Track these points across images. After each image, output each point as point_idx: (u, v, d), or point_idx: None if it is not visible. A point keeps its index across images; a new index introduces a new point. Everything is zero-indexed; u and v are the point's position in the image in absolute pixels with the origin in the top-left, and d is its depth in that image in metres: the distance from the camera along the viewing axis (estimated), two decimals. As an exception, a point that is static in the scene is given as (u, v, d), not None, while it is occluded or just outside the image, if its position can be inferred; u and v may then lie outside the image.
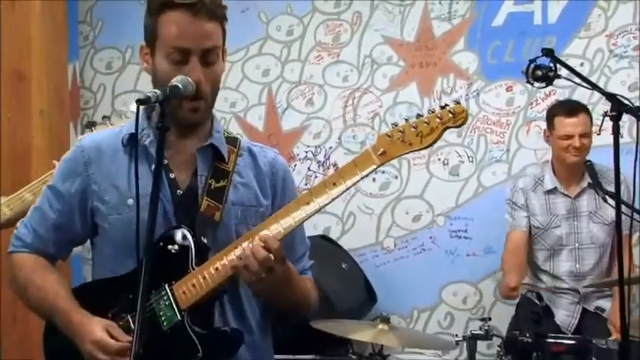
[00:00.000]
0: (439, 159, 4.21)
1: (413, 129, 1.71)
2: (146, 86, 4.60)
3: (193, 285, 1.81)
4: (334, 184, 1.77)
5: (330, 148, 4.39)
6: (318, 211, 1.79)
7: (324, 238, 4.22)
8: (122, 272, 1.88)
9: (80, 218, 1.96)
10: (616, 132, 2.22)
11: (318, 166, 4.40)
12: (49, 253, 2.00)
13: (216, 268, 1.81)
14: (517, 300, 3.61)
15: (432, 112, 1.71)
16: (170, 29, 1.83)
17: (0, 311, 3.82)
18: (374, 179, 4.29)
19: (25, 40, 3.92)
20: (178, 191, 1.91)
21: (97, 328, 1.82)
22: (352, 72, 4.37)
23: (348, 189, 1.77)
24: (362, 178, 1.76)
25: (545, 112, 3.79)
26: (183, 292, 1.82)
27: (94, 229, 1.97)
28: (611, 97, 2.26)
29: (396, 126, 1.73)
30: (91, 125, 2.74)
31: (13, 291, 2.00)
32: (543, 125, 3.73)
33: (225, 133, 2.00)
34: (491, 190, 4.12)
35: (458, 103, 1.71)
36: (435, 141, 1.71)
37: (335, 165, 4.37)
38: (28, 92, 3.93)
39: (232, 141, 1.99)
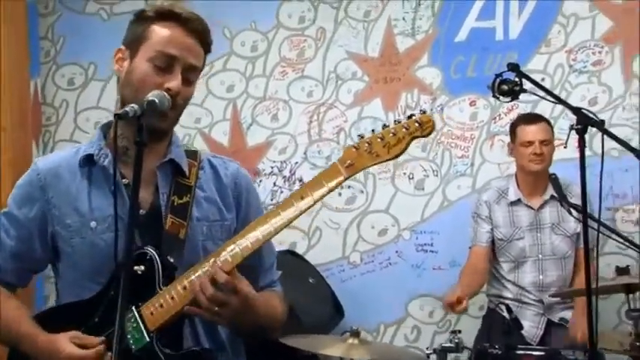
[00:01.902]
0: (404, 173, 4.24)
1: (379, 140, 1.69)
2: (109, 103, 4.60)
3: (161, 305, 1.79)
4: (302, 197, 1.74)
5: (296, 163, 4.40)
6: (286, 225, 1.76)
7: (291, 253, 4.21)
8: (87, 296, 1.85)
9: (40, 244, 1.92)
10: (582, 145, 2.25)
11: (284, 182, 4.40)
12: (9, 282, 1.96)
13: (184, 287, 1.78)
14: (483, 312, 3.64)
15: (399, 122, 1.70)
16: (162, 35, 1.84)
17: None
18: (340, 194, 4.31)
19: (-14, 57, 3.88)
20: (141, 210, 1.87)
21: (63, 343, 1.79)
22: (317, 87, 4.39)
23: (316, 202, 1.74)
24: (330, 190, 1.74)
25: (507, 126, 3.84)
26: (151, 314, 1.80)
27: (55, 254, 1.93)
28: (576, 110, 2.30)
29: (362, 137, 1.72)
30: None
31: None
32: (507, 139, 3.79)
33: (184, 147, 1.99)
34: (457, 203, 4.16)
35: (424, 112, 1.71)
36: (402, 151, 1.70)
37: (301, 180, 4.37)
38: (-10, 110, 3.89)
39: (192, 154, 1.98)
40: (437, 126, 4.15)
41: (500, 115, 4.14)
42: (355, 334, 2.86)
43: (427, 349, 3.00)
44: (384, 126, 1.71)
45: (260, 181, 4.39)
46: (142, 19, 1.89)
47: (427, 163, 4.22)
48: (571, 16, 4.08)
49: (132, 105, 1.67)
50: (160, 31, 1.84)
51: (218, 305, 1.74)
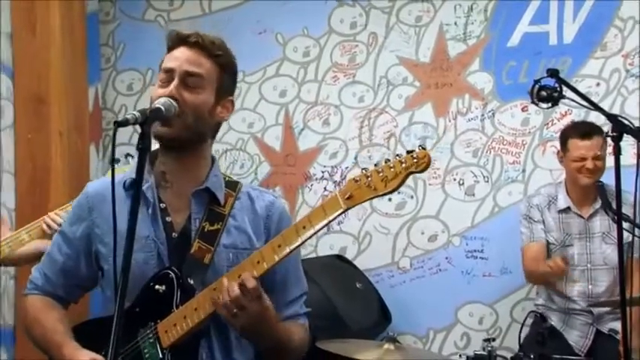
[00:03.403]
0: (455, 179, 4.21)
1: (379, 174, 1.74)
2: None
3: (174, 324, 1.87)
4: (304, 227, 1.81)
5: (347, 168, 4.41)
6: (288, 254, 1.83)
7: (339, 257, 4.23)
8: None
9: (86, 262, 2.04)
10: (617, 152, 2.21)
11: (335, 186, 4.41)
12: (59, 296, 2.08)
13: (195, 309, 1.85)
14: (531, 320, 3.58)
15: (398, 156, 1.74)
16: (167, 58, 1.95)
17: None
18: (390, 199, 4.29)
19: (45, 65, 4.01)
20: (173, 234, 1.96)
21: None
22: (368, 92, 4.39)
23: (316, 232, 1.82)
24: (329, 221, 1.81)
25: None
26: (165, 332, 1.88)
27: (99, 272, 2.03)
28: (612, 118, 2.25)
29: (365, 170, 1.77)
30: (127, 156, 2.82)
31: (25, 332, 2.08)
32: (559, 145, 3.71)
33: (225, 177, 2.06)
34: (508, 210, 4.10)
35: (423, 148, 1.74)
36: (398, 186, 1.74)
37: (351, 185, 4.37)
38: (47, 115, 4.02)
39: (232, 185, 2.05)
40: (488, 132, 4.14)
41: (552, 120, 4.06)
42: (392, 340, 2.86)
43: (460, 356, 2.97)
44: (386, 160, 1.76)
45: (311, 185, 4.42)
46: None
47: (478, 169, 4.17)
48: (628, 20, 3.97)
49: (133, 112, 1.70)
50: (167, 56, 1.96)
51: (238, 308, 1.79)
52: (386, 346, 2.81)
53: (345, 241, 4.33)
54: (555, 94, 2.55)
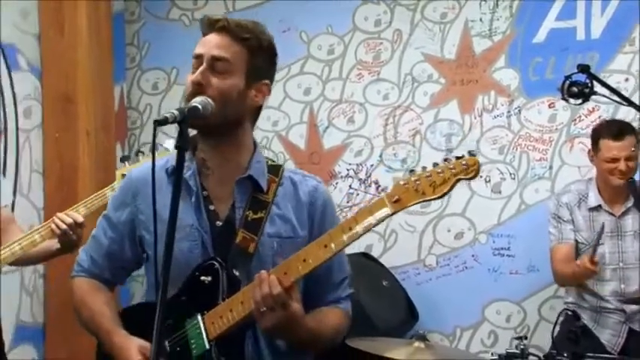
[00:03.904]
0: (481, 176, 4.18)
1: (427, 178, 1.73)
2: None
3: (221, 317, 1.87)
4: (350, 228, 1.81)
5: (372, 165, 4.40)
6: (335, 254, 1.83)
7: (366, 255, 4.22)
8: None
9: (130, 246, 2.05)
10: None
11: (360, 184, 4.41)
12: (105, 278, 2.10)
13: (241, 302, 1.86)
14: (561, 318, 3.55)
15: (447, 161, 1.73)
16: (197, 45, 1.95)
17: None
18: (416, 197, 4.28)
19: (72, 64, 4.04)
20: (217, 222, 1.96)
21: (133, 353, 1.91)
22: (393, 90, 4.38)
23: (361, 235, 1.81)
24: (376, 224, 1.79)
25: (588, 129, 3.74)
26: (212, 323, 1.89)
27: (144, 257, 2.05)
28: (646, 114, 2.23)
29: (412, 173, 1.76)
30: (124, 159, 2.83)
31: (74, 313, 2.11)
32: (587, 142, 3.67)
33: (268, 161, 2.04)
34: (534, 207, 4.07)
35: (473, 155, 1.73)
36: (447, 192, 1.72)
37: (376, 182, 4.38)
38: (75, 114, 4.05)
39: (274, 169, 2.03)
40: (514, 129, 4.11)
41: (580, 116, 4.03)
42: (422, 337, 2.85)
43: (491, 354, 2.95)
44: (434, 164, 1.74)
45: (336, 183, 4.42)
46: None
47: (504, 166, 4.15)
48: (657, 14, 3.93)
49: (172, 111, 1.70)
50: (198, 42, 1.97)
51: (267, 307, 1.80)
52: (416, 344, 2.80)
53: (370, 239, 4.32)
54: (586, 90, 2.54)
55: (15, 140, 3.90)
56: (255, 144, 2.03)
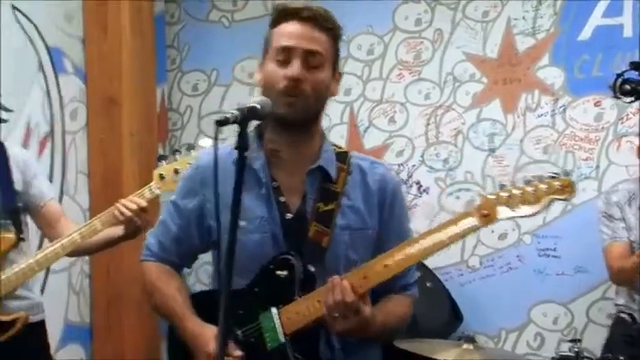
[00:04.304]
0: (525, 176, 4.12)
1: (519, 194, 1.72)
2: (230, 107, 4.74)
3: (297, 313, 1.88)
4: (435, 235, 1.82)
5: (413, 166, 4.38)
6: (416, 261, 1.88)
7: (408, 256, 4.18)
8: (237, 288, 1.93)
9: (198, 234, 2.05)
10: None
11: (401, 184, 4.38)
12: (174, 262, 2.11)
13: (318, 300, 1.86)
14: (611, 321, 3.49)
15: (540, 180, 1.73)
16: (279, 33, 1.93)
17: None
18: (458, 197, 4.25)
19: (116, 66, 4.07)
20: (288, 215, 1.95)
21: (208, 339, 1.89)
22: (434, 89, 4.35)
23: (447, 245, 1.82)
24: (463, 236, 1.80)
25: (636, 127, 3.68)
26: (288, 318, 1.89)
27: (213, 244, 2.04)
28: None
29: (504, 187, 1.75)
30: (162, 158, 2.83)
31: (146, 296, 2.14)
32: (635, 140, 3.62)
33: (334, 148, 2.03)
34: (581, 207, 4.00)
35: (568, 175, 1.73)
36: (539, 211, 1.72)
37: (418, 183, 4.35)
38: (119, 115, 4.08)
39: (342, 157, 2.02)
40: (559, 128, 4.06)
41: (627, 115, 3.96)
42: (470, 339, 2.83)
43: (550, 357, 2.91)
44: (527, 181, 1.74)
45: (377, 184, 4.39)
46: (269, 27, 1.98)
47: (549, 166, 4.09)
48: None
49: (232, 111, 1.69)
50: (278, 31, 1.93)
51: (339, 314, 1.81)
52: (464, 345, 2.78)
53: (412, 239, 4.28)
54: (640, 88, 2.48)
55: (61, 142, 3.94)
56: (322, 133, 2.03)
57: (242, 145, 1.66)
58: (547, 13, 4.12)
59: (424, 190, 4.34)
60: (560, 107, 4.09)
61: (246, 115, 1.69)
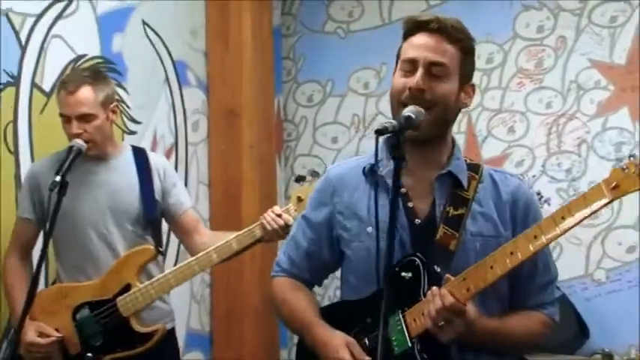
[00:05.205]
0: (655, 187, 3.96)
1: None
2: (346, 118, 4.76)
3: (423, 314, 1.83)
4: (563, 217, 1.73)
5: (534, 176, 4.27)
6: (545, 246, 1.77)
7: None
8: (364, 296, 1.95)
9: (328, 246, 2.06)
10: None
11: (524, 195, 4.27)
12: (305, 279, 2.12)
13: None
14: None
15: None
16: (407, 46, 1.94)
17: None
18: (581, 208, 4.11)
19: (237, 79, 4.14)
20: (416, 220, 1.93)
21: (339, 344, 1.89)
22: (556, 98, 4.23)
23: (577, 224, 1.73)
24: (592, 212, 1.71)
25: None
26: (414, 320, 1.85)
27: (341, 256, 2.05)
28: None
29: (633, 157, 1.67)
30: (300, 179, 2.83)
31: (274, 312, 2.15)
32: None
33: (466, 159, 2.01)
34: None
35: None
36: None
37: (539, 194, 4.23)
38: (239, 127, 4.15)
39: (474, 168, 1.99)
40: (693, 136, 3.88)
41: None
42: (608, 356, 2.72)
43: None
44: None
45: (496, 194, 4.30)
46: (401, 41, 1.99)
47: (681, 176, 3.91)
48: None
49: (390, 121, 1.73)
50: (407, 43, 1.95)
51: (444, 320, 1.77)
52: (603, 362, 2.67)
53: (534, 251, 4.17)
54: None
55: (185, 153, 4.04)
56: (453, 142, 2.01)
57: (398, 154, 1.68)
58: (680, 17, 3.96)
59: (545, 201, 4.22)
60: (695, 115, 3.91)
61: (403, 124, 1.72)
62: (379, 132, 1.69)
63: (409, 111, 1.78)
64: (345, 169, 2.08)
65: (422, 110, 1.81)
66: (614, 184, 1.67)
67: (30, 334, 2.67)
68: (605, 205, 1.70)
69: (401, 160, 1.69)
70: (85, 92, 2.70)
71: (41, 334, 2.69)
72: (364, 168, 2.00)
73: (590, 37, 4.15)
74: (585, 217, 1.72)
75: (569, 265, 4.13)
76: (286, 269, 2.11)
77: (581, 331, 3.85)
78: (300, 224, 2.12)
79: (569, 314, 3.87)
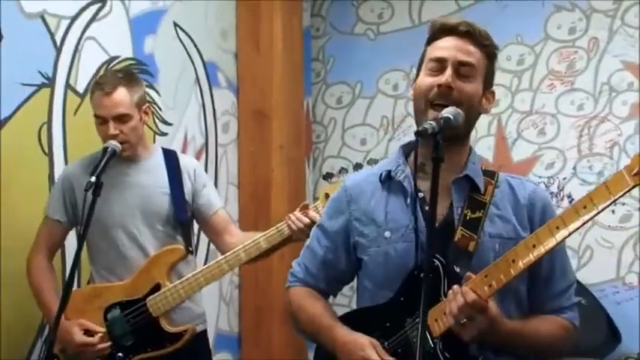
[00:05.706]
0: (689, 190, 3.91)
1: None
2: (375, 119, 4.76)
3: (444, 313, 1.83)
4: (585, 207, 1.72)
5: (564, 179, 4.23)
6: (567, 237, 1.75)
7: (561, 272, 4.05)
8: (381, 302, 1.96)
9: (344, 255, 2.06)
10: None
11: (552, 198, 4.24)
12: (320, 288, 2.12)
13: None
14: None
15: None
16: (434, 48, 1.96)
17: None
18: (613, 211, 4.07)
19: (267, 80, 4.16)
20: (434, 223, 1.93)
21: (366, 346, 1.88)
22: (588, 100, 4.19)
23: (599, 212, 1.71)
24: (615, 200, 1.70)
25: None
26: (435, 320, 1.85)
27: (358, 264, 2.05)
28: None
29: None
30: (327, 177, 2.83)
31: (290, 320, 2.14)
32: None
33: (482, 166, 2.01)
34: None
35: None
36: None
37: (569, 196, 4.20)
38: (269, 128, 4.16)
39: (489, 174, 2.00)
40: None
41: None
42: (642, 362, 2.68)
43: None
44: None
45: (526, 197, 4.27)
46: (425, 45, 2.01)
47: None
48: None
49: (430, 122, 1.73)
50: (433, 46, 1.97)
51: (466, 317, 1.76)
52: (636, 368, 2.64)
53: (564, 255, 4.14)
54: None
55: (215, 154, 4.06)
56: (470, 147, 2.02)
57: (438, 155, 1.69)
58: None
59: (576, 204, 4.18)
60: None
61: (442, 126, 1.73)
62: (419, 134, 1.71)
63: (448, 112, 1.79)
64: (361, 178, 2.10)
65: (460, 112, 1.82)
66: (636, 170, 1.65)
67: (78, 334, 2.69)
68: (628, 191, 1.68)
69: (440, 162, 1.69)
70: (121, 93, 2.72)
71: (87, 332, 2.72)
72: (380, 175, 2.02)
73: (624, 39, 4.10)
74: (608, 205, 1.71)
75: (600, 268, 4.10)
76: (302, 279, 2.12)
77: (613, 335, 3.81)
78: (316, 233, 2.13)
79: (600, 318, 3.84)
